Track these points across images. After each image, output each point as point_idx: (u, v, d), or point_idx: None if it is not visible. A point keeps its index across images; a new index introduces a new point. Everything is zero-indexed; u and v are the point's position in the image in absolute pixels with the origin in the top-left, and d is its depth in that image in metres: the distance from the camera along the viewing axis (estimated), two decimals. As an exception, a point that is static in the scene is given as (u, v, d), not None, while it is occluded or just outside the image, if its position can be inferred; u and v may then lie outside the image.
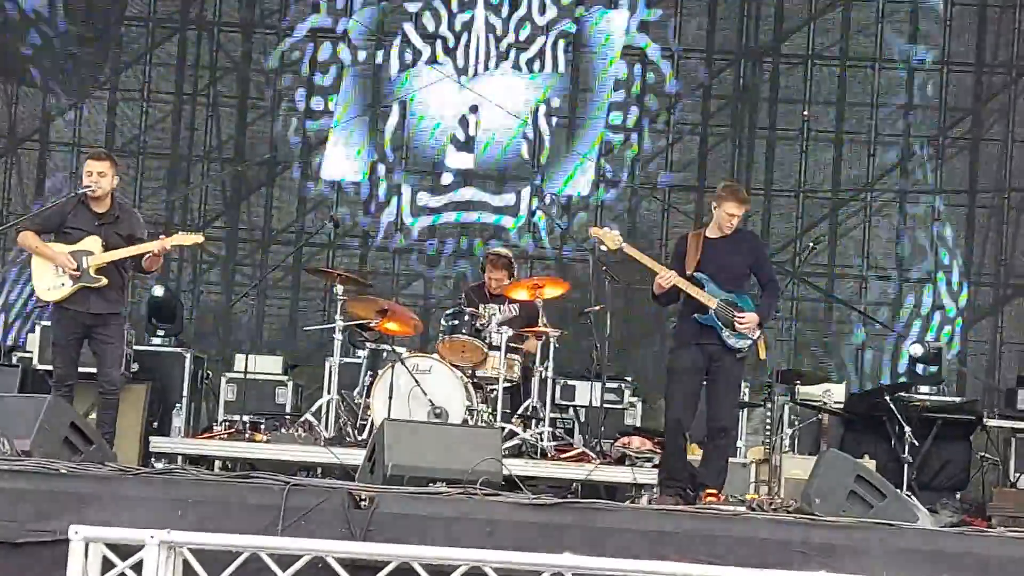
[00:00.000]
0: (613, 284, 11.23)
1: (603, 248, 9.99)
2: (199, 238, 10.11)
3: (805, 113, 14.95)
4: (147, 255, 9.69)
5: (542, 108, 15.08)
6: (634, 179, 15.03)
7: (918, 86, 14.83)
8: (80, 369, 9.88)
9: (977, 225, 14.79)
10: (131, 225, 9.87)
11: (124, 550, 5.66)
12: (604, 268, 11.33)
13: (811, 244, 12.22)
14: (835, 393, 12.00)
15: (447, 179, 15.07)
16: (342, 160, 15.10)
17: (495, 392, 10.87)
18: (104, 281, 9.59)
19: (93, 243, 9.63)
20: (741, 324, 9.35)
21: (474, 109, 15.06)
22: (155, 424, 12.01)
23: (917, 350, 12.71)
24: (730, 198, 9.60)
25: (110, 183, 9.73)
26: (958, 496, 11.68)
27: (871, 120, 14.94)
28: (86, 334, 9.68)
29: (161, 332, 12.95)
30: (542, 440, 10.71)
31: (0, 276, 14.20)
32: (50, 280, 9.64)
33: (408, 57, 15.12)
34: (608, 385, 11.99)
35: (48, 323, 11.33)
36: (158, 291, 13.18)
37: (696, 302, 9.42)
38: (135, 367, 12.01)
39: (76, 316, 9.65)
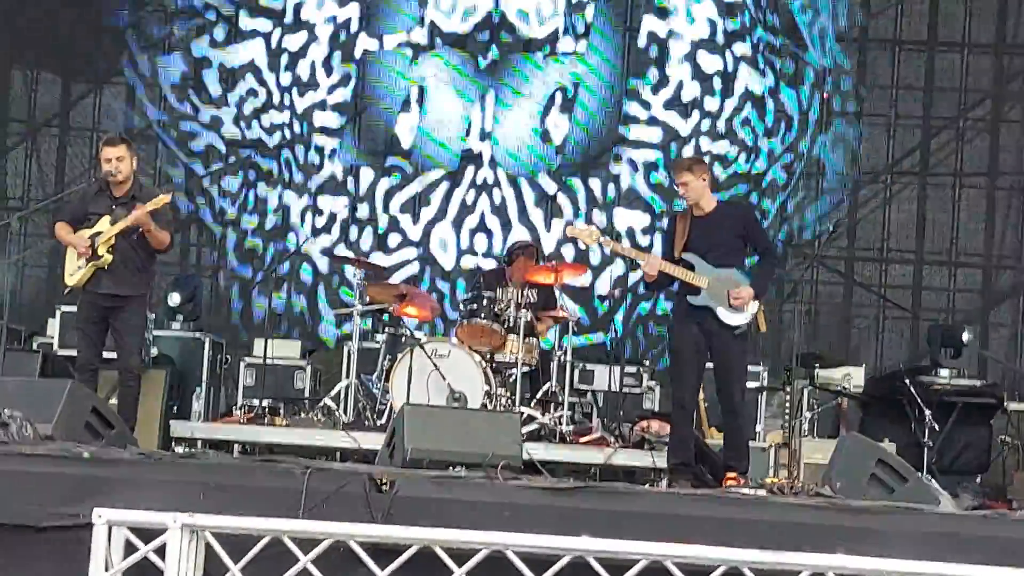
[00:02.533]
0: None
1: (582, 246, 9.98)
2: (166, 198, 9.94)
3: (825, 95, 14.90)
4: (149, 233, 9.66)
5: (559, 94, 15.04)
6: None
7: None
8: (103, 355, 9.91)
9: (997, 207, 14.75)
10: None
11: (147, 533, 5.68)
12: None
13: (830, 227, 12.21)
14: (854, 377, 11.99)
15: (463, 166, 15.05)
16: (357, 146, 15.11)
17: (513, 376, 10.88)
18: (108, 258, 9.55)
19: (103, 223, 9.66)
20: (736, 300, 9.26)
21: (489, 95, 15.02)
22: (175, 409, 12.05)
23: (969, 337, 12.63)
24: (673, 171, 9.60)
25: (129, 167, 9.75)
26: (979, 479, 11.66)
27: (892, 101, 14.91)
28: (105, 317, 9.70)
29: (180, 317, 13.01)
30: (561, 424, 10.73)
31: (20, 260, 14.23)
32: (71, 266, 9.69)
33: (422, 45, 15.10)
34: (627, 369, 12.00)
35: (68, 308, 11.41)
36: (174, 299, 13.14)
37: (688, 284, 9.34)
38: (154, 352, 12.06)
39: (94, 299, 9.68)
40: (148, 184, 10.30)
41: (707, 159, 12.47)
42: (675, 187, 9.49)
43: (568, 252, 14.03)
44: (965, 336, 12.47)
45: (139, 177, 9.98)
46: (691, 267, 9.30)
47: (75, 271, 9.65)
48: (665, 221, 13.59)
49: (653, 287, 9.71)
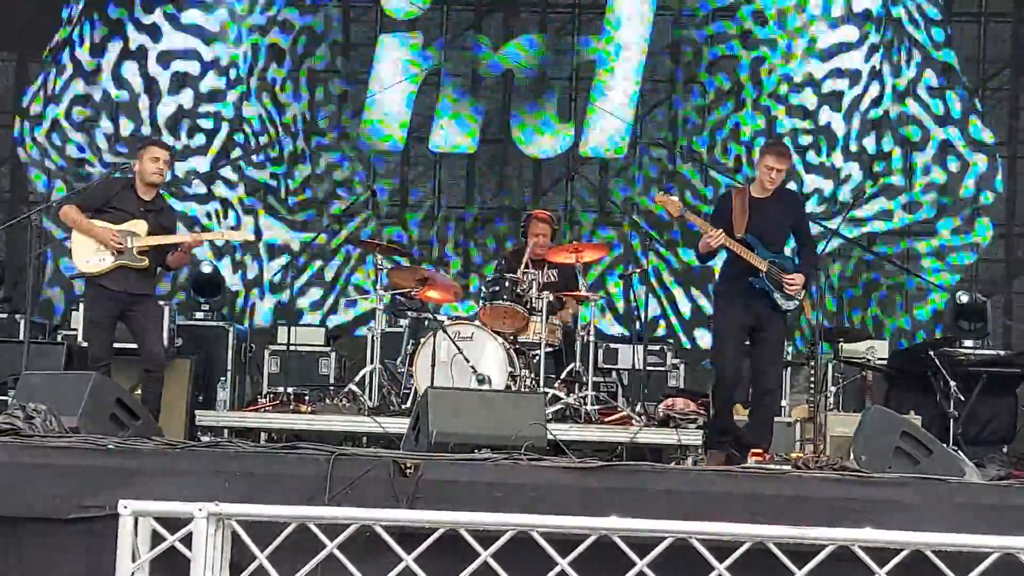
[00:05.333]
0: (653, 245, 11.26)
1: (667, 216, 10.09)
2: (249, 236, 10.23)
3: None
4: (175, 251, 9.84)
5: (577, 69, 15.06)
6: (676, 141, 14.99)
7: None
8: (122, 346, 9.98)
9: (1018, 176, 14.68)
10: (171, 217, 10.18)
11: (173, 523, 5.70)
12: (643, 230, 11.39)
13: (851, 199, 12.17)
14: (879, 349, 11.97)
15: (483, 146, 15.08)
16: (380, 129, 15.10)
17: (537, 357, 10.88)
18: (146, 262, 9.78)
19: (139, 226, 9.85)
20: (791, 286, 9.36)
21: (508, 75, 15.02)
22: (200, 398, 12.09)
23: (963, 298, 12.60)
24: (769, 152, 9.63)
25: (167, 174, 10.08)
26: (1005, 450, 11.61)
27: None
28: (121, 313, 9.81)
29: (205, 307, 13.04)
30: (586, 404, 10.73)
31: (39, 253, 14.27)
32: (90, 254, 9.78)
33: (442, 23, 15.12)
34: (651, 347, 11.99)
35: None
36: (206, 268, 13.20)
37: (744, 263, 9.40)
38: (179, 342, 12.10)
39: (113, 295, 9.79)
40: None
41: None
42: (767, 167, 9.49)
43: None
44: (962, 297, 12.40)
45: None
46: (751, 248, 9.38)
47: (96, 261, 9.74)
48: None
49: (704, 259, 9.78)
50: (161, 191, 10.23)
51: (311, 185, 14.89)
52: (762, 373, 9.58)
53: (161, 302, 11.06)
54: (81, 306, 12.05)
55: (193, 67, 14.88)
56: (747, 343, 9.69)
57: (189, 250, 10.07)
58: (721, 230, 9.44)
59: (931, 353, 11.39)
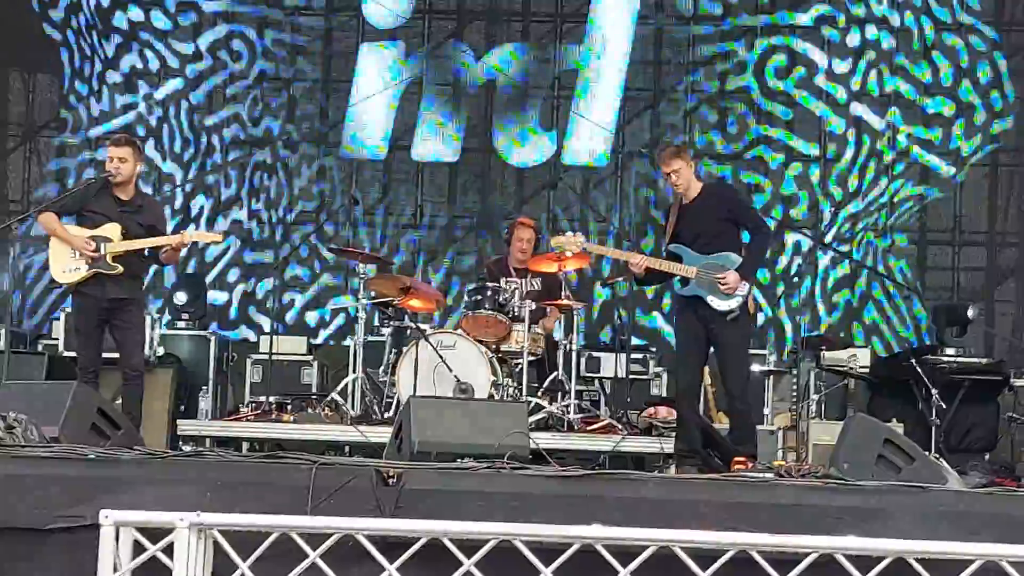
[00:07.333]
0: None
1: (569, 253, 10.08)
2: (218, 237, 10.05)
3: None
4: (165, 249, 9.69)
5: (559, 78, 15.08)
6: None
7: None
8: (104, 355, 9.91)
9: (1000, 185, 14.72)
10: (153, 216, 9.89)
11: (155, 533, 5.67)
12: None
13: (832, 208, 12.18)
14: (860, 358, 11.98)
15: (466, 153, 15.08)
16: (362, 138, 15.09)
17: (520, 366, 10.88)
18: (119, 269, 9.59)
19: (112, 230, 9.63)
20: (724, 286, 9.27)
21: (491, 83, 15.04)
22: (182, 407, 12.07)
23: (971, 312, 12.63)
24: (660, 159, 9.66)
25: (132, 169, 9.74)
26: (987, 457, 11.64)
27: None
28: (106, 319, 9.70)
29: (185, 316, 13.00)
30: (568, 413, 10.73)
31: (23, 264, 14.23)
32: (66, 262, 9.65)
33: (424, 32, 15.12)
34: (633, 355, 12.00)
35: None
36: (180, 297, 13.17)
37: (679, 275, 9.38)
38: (160, 351, 12.06)
39: (94, 302, 9.67)
40: (148, 192, 10.31)
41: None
42: (664, 177, 9.52)
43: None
44: (970, 312, 12.43)
45: (140, 182, 9.99)
46: (678, 258, 9.33)
47: (71, 270, 9.62)
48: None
49: (646, 283, 9.77)
50: (144, 189, 10.08)
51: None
52: (723, 379, 9.56)
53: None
54: (62, 315, 12.03)
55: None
56: (708, 350, 9.63)
57: (177, 250, 9.82)
58: (640, 255, 9.57)
59: (913, 361, 11.40)
